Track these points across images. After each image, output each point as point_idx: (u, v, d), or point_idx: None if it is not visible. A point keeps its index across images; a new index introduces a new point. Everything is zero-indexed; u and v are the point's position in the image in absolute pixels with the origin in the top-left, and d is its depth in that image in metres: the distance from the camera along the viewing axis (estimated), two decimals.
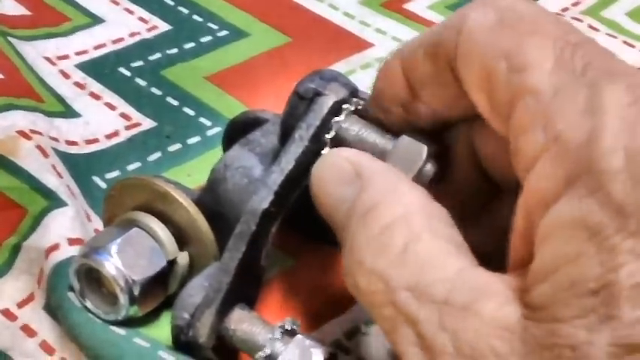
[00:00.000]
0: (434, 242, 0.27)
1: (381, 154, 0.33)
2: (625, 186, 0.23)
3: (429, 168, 0.32)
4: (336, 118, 0.34)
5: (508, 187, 0.32)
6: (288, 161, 0.34)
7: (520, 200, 0.26)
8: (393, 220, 0.28)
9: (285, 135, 0.35)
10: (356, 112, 0.35)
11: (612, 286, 0.23)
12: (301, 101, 0.35)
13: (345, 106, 0.34)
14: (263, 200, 0.34)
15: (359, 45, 0.54)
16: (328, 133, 0.34)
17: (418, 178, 0.32)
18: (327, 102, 0.34)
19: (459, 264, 0.27)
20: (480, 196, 0.34)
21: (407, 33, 0.55)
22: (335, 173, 0.31)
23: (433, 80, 0.31)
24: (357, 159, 0.31)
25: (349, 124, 0.34)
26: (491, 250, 0.28)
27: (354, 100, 0.35)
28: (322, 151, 0.34)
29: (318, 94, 0.34)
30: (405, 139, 0.32)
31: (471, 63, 0.28)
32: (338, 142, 0.34)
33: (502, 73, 0.27)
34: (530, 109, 0.26)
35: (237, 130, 0.40)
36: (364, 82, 0.50)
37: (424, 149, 0.32)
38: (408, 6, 0.58)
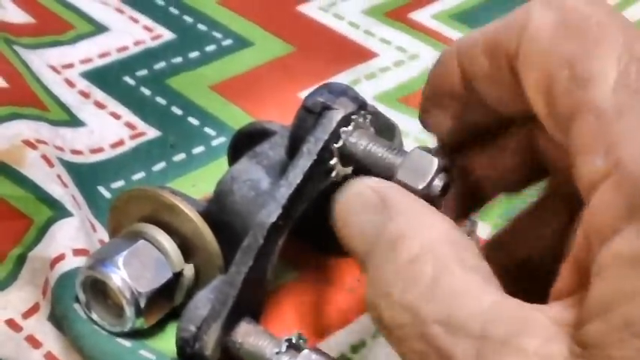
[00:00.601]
0: (464, 274, 0.26)
1: (388, 168, 0.33)
2: None
3: (438, 182, 0.32)
4: (344, 129, 0.34)
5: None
6: (296, 175, 0.34)
7: (579, 228, 0.25)
8: (422, 250, 0.27)
9: (293, 148, 0.35)
10: (364, 124, 0.35)
11: None
12: (309, 115, 0.34)
13: (353, 117, 0.34)
14: (271, 214, 0.34)
15: (363, 55, 0.54)
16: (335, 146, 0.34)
17: (428, 191, 0.32)
18: (336, 116, 0.34)
19: (492, 296, 0.26)
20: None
21: (411, 42, 0.55)
22: (360, 202, 0.30)
23: (491, 77, 0.30)
24: (383, 188, 0.30)
25: (357, 139, 0.34)
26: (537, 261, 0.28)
27: (362, 112, 0.35)
28: (330, 162, 0.34)
29: (326, 107, 0.34)
30: (416, 152, 0.32)
31: (532, 66, 0.27)
32: (346, 155, 0.34)
33: (564, 82, 0.26)
34: (592, 129, 0.25)
35: (244, 141, 0.40)
36: (369, 91, 0.51)
37: (435, 162, 0.32)
38: (412, 15, 0.58)
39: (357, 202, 0.30)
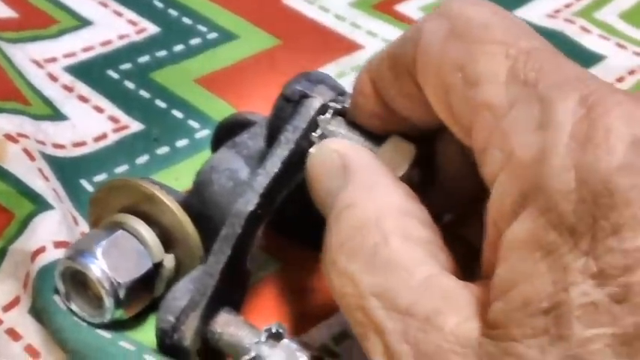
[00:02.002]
0: (404, 247, 0.27)
1: None
2: (576, 206, 0.23)
3: (416, 171, 0.32)
4: (322, 117, 0.34)
5: None
6: (274, 164, 0.34)
7: (488, 216, 0.26)
8: (367, 222, 0.27)
9: (272, 137, 0.35)
10: (342, 113, 0.34)
11: (563, 306, 0.23)
12: (287, 103, 0.34)
13: (331, 104, 0.34)
14: (249, 203, 0.33)
15: (349, 47, 0.54)
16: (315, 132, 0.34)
17: (407, 180, 0.32)
18: (314, 104, 0.34)
19: (427, 270, 0.26)
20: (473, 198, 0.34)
21: (398, 35, 0.55)
22: (325, 165, 0.31)
23: (399, 92, 0.31)
24: (345, 151, 0.31)
25: (336, 127, 0.34)
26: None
27: (340, 98, 0.34)
28: (310, 150, 0.34)
29: (304, 96, 0.34)
30: (393, 140, 0.32)
31: (428, 76, 0.28)
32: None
33: (458, 86, 0.27)
34: (488, 125, 0.26)
35: (227, 133, 0.39)
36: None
37: (412, 151, 0.32)
38: (399, 8, 0.58)
39: (323, 165, 0.30)
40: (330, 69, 0.52)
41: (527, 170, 0.24)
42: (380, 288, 0.26)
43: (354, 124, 0.34)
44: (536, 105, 0.25)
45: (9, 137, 0.42)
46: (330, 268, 0.28)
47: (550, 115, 0.24)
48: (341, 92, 0.35)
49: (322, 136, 0.34)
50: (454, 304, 0.25)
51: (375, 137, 0.33)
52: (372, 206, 0.28)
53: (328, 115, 0.34)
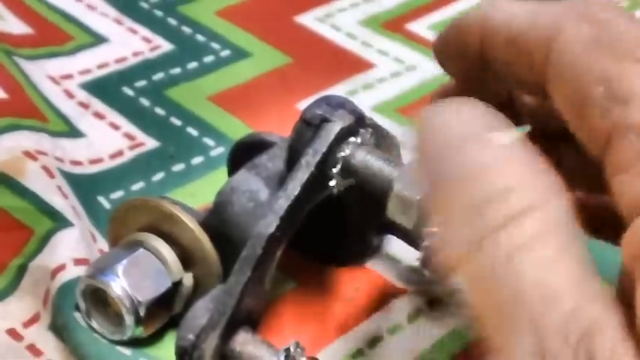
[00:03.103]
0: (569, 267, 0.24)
1: (386, 181, 0.34)
2: None
3: None
4: (342, 154, 0.35)
5: None
6: (294, 187, 0.34)
7: (623, 247, 0.24)
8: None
9: (292, 160, 0.35)
10: (364, 137, 0.35)
11: None
12: (308, 127, 0.35)
13: (352, 139, 0.35)
14: (269, 225, 0.34)
15: (360, 66, 0.55)
16: (334, 159, 0.35)
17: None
18: (334, 128, 0.35)
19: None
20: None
21: (408, 53, 0.56)
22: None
23: (513, 67, 0.28)
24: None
25: (355, 151, 0.35)
26: None
27: (362, 131, 0.35)
28: (330, 183, 0.35)
29: (325, 120, 0.35)
30: (413, 163, 0.33)
31: (562, 79, 0.26)
32: (344, 168, 0.35)
33: (599, 99, 0.25)
34: (635, 148, 0.24)
35: (243, 152, 0.40)
36: (366, 102, 0.51)
37: None
38: (409, 26, 0.58)
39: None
40: (341, 87, 0.52)
41: None
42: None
43: (371, 149, 0.35)
44: None
45: (28, 154, 0.43)
46: None
47: None
48: (360, 117, 0.35)
49: (342, 171, 0.35)
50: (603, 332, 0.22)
51: (392, 162, 0.34)
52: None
53: (349, 148, 0.35)
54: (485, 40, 0.29)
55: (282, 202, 0.34)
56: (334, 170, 0.35)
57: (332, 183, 0.35)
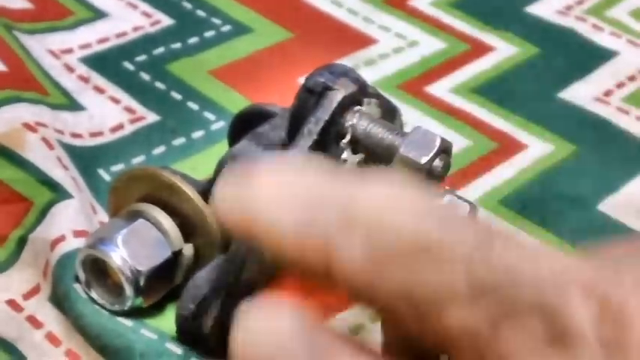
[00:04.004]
0: None
1: (388, 149, 0.33)
2: None
3: (439, 161, 0.33)
4: (350, 122, 0.34)
5: None
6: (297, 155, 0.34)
7: None
8: None
9: (294, 129, 0.35)
10: (369, 106, 0.35)
11: None
12: (310, 95, 0.35)
13: (356, 108, 0.35)
14: None
15: (363, 41, 0.54)
16: (341, 128, 0.34)
17: (430, 167, 0.32)
18: (337, 96, 0.34)
19: None
20: None
21: (410, 29, 0.55)
22: None
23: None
24: None
25: (359, 120, 0.34)
26: None
27: (366, 100, 0.35)
28: (342, 156, 0.34)
29: (327, 88, 0.35)
30: (420, 129, 0.33)
31: None
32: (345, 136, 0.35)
33: None
34: None
35: (244, 123, 0.40)
36: (368, 78, 0.50)
37: (438, 139, 0.32)
38: (411, 2, 0.58)
39: None
40: (343, 63, 0.52)
41: None
42: None
43: (375, 118, 0.35)
44: None
45: (28, 126, 0.43)
46: None
47: None
48: (363, 85, 0.35)
49: (351, 142, 0.34)
50: None
51: (394, 131, 0.34)
52: None
53: (355, 117, 0.34)
54: None
55: None
56: (344, 141, 0.34)
57: (344, 156, 0.35)
